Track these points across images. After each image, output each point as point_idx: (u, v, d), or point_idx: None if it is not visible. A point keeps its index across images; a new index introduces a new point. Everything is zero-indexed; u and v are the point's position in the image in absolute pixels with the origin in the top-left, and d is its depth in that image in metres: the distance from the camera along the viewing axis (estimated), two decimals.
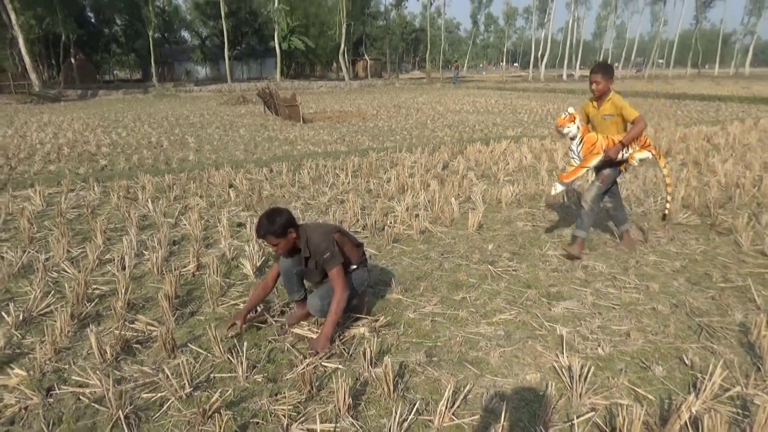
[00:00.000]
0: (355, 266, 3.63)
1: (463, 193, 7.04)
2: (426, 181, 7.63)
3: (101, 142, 12.79)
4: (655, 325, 3.58)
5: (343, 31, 46.37)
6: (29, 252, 5.11)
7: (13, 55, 35.96)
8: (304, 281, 3.68)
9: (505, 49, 68.81)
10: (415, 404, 2.76)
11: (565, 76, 57.11)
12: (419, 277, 4.43)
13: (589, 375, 2.89)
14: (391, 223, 5.80)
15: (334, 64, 56.80)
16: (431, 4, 60.09)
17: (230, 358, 3.23)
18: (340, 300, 3.27)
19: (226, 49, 43.16)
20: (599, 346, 3.29)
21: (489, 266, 4.59)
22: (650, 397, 2.80)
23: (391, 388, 2.82)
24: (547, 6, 61.06)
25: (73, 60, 43.83)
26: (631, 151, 4.52)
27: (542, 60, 56.49)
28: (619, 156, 4.46)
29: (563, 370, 3.00)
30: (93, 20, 47.42)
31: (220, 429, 2.52)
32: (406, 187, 7.37)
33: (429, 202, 6.48)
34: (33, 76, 32.56)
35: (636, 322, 3.61)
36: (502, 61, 69.71)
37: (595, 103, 4.69)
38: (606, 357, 3.19)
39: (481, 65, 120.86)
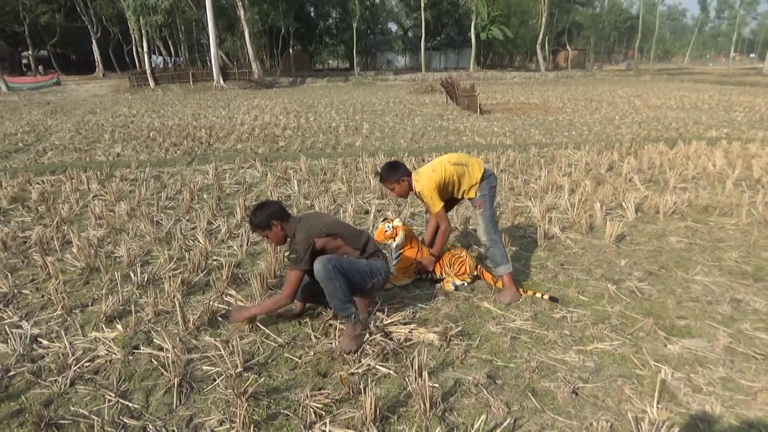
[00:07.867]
0: (366, 256, 3.39)
1: (617, 198, 6.22)
2: (579, 182, 6.91)
3: (289, 125, 13.95)
4: None
5: (543, 20, 44.46)
6: (181, 221, 5.73)
7: (241, 45, 41.07)
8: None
9: (734, 37, 59.32)
10: (452, 428, 2.48)
11: None
12: (523, 287, 3.98)
13: None
14: (519, 224, 5.37)
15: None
16: None
17: (291, 344, 3.26)
18: (278, 299, 3.29)
19: (423, 39, 44.26)
20: (710, 402, 2.62)
21: (610, 285, 3.96)
22: None
23: (428, 405, 2.57)
24: None
25: (291, 50, 48.66)
26: (445, 276, 4.03)
27: None
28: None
29: (641, 424, 2.44)
30: (312, 14, 51.90)
31: (249, 414, 2.53)
32: (552, 186, 6.76)
33: (571, 205, 5.85)
34: (254, 65, 36.83)
35: None
36: (731, 51, 60.32)
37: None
38: (712, 417, 2.53)
39: (707, 56, 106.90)
